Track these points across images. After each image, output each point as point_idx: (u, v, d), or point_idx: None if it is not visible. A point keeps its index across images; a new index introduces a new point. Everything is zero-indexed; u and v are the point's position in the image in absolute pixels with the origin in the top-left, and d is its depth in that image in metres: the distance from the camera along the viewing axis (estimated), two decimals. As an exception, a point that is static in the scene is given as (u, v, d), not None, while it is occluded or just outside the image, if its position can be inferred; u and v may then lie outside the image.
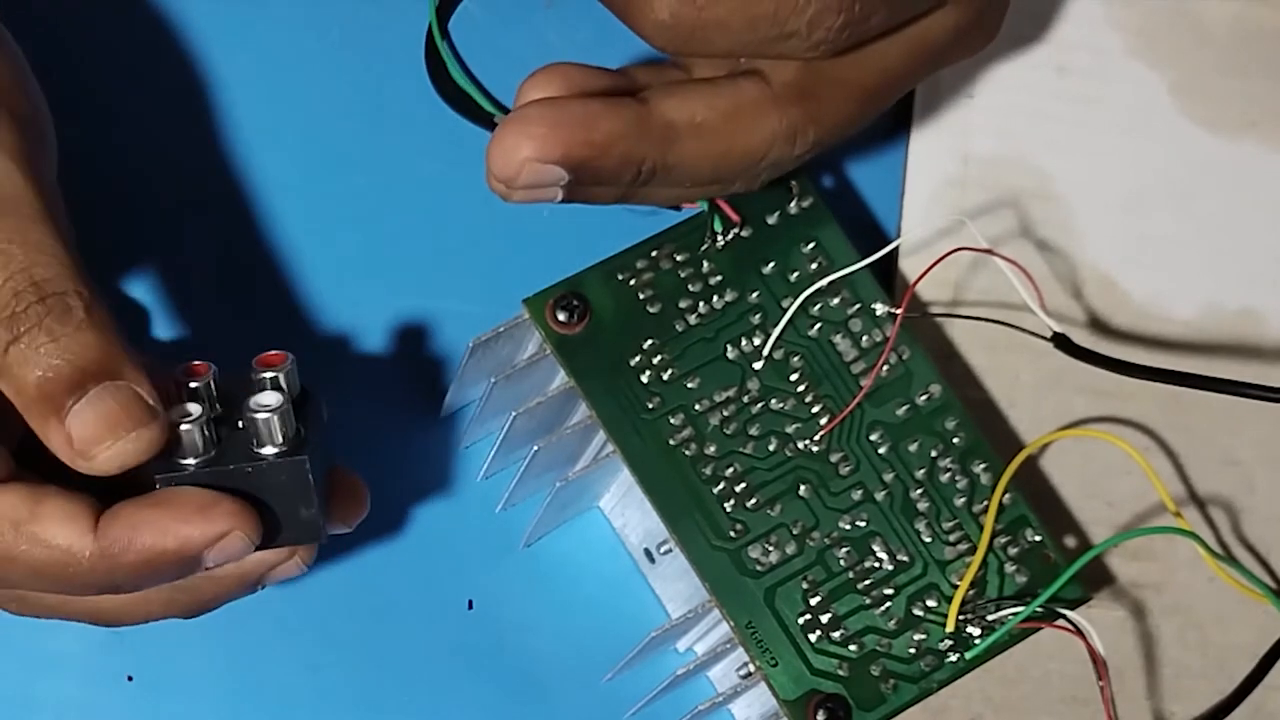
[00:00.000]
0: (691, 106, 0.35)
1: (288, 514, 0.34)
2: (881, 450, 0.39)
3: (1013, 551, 0.38)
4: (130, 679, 0.40)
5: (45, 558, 0.33)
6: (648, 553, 0.41)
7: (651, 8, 0.34)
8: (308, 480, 0.33)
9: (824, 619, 0.37)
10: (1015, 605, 0.37)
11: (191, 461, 0.33)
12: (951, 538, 0.38)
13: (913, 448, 0.39)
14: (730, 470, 0.38)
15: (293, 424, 0.33)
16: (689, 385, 0.38)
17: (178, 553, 0.33)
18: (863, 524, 0.38)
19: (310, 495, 0.34)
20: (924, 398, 0.39)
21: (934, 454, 0.39)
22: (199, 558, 0.33)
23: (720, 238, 0.40)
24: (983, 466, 0.39)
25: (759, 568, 0.37)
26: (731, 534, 0.37)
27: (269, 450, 0.33)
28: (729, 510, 0.38)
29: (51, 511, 0.33)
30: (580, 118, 0.34)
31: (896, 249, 0.44)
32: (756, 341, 0.39)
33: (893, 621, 0.37)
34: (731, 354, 0.39)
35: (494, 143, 0.35)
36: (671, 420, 0.38)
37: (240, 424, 0.34)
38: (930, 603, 0.38)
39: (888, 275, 0.44)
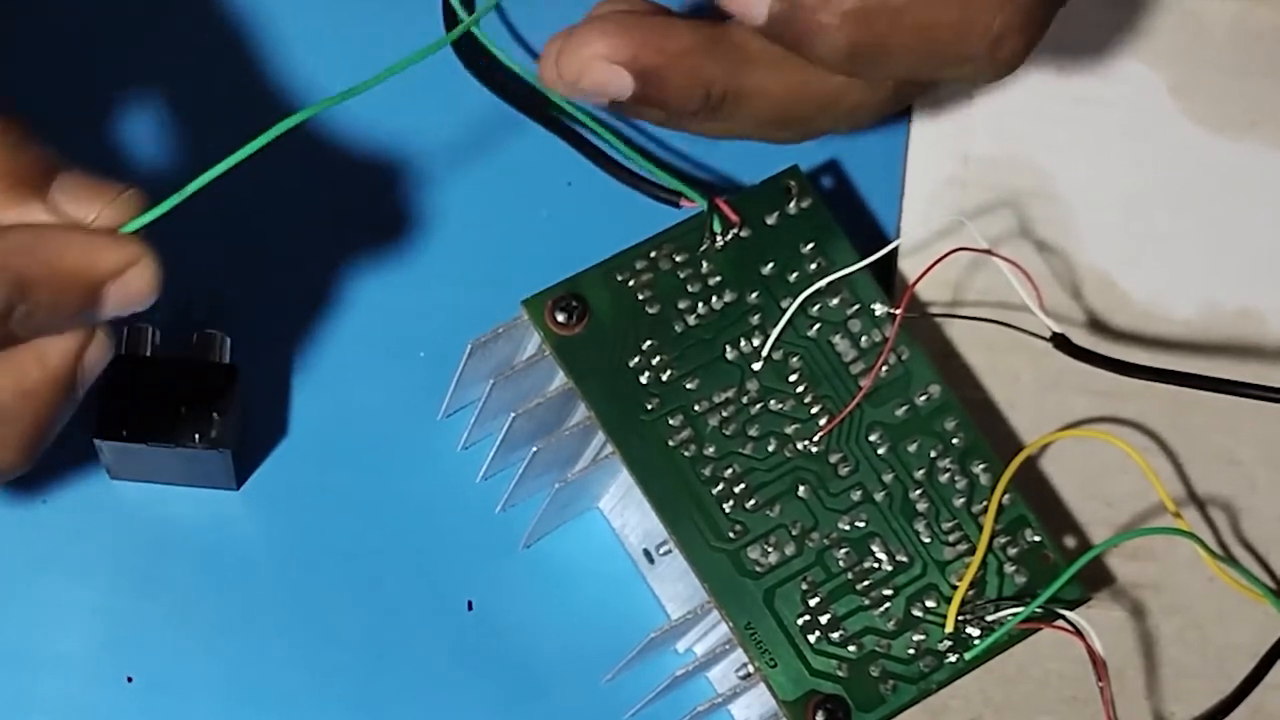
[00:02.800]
0: None
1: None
2: (881, 451, 0.39)
3: (1012, 552, 0.38)
4: (130, 679, 0.40)
5: None
6: (647, 553, 0.41)
7: (829, 37, 0.33)
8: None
9: (823, 620, 0.37)
10: (1015, 605, 0.37)
11: None
12: (951, 538, 0.38)
13: (912, 448, 0.39)
14: (729, 471, 0.38)
15: None
16: (688, 386, 0.38)
17: (81, 276, 0.29)
18: (862, 525, 0.38)
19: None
20: (923, 398, 0.39)
21: (933, 454, 0.39)
22: (99, 294, 0.29)
23: (719, 238, 0.40)
24: (982, 467, 0.39)
25: (758, 568, 0.37)
26: (731, 535, 0.37)
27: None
28: (728, 511, 0.38)
29: None
30: (657, 25, 0.33)
31: (896, 249, 0.44)
32: (756, 342, 0.39)
33: (892, 622, 0.37)
34: (731, 355, 0.39)
35: (565, 37, 0.33)
36: (671, 421, 0.38)
37: None
38: (929, 603, 0.38)
39: (887, 275, 0.44)
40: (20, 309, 0.28)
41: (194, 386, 0.38)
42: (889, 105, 0.37)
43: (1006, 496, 0.39)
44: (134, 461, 0.39)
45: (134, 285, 0.30)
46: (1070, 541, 0.43)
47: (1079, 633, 0.37)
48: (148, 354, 0.38)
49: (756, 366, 0.39)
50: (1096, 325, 0.45)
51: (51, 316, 0.29)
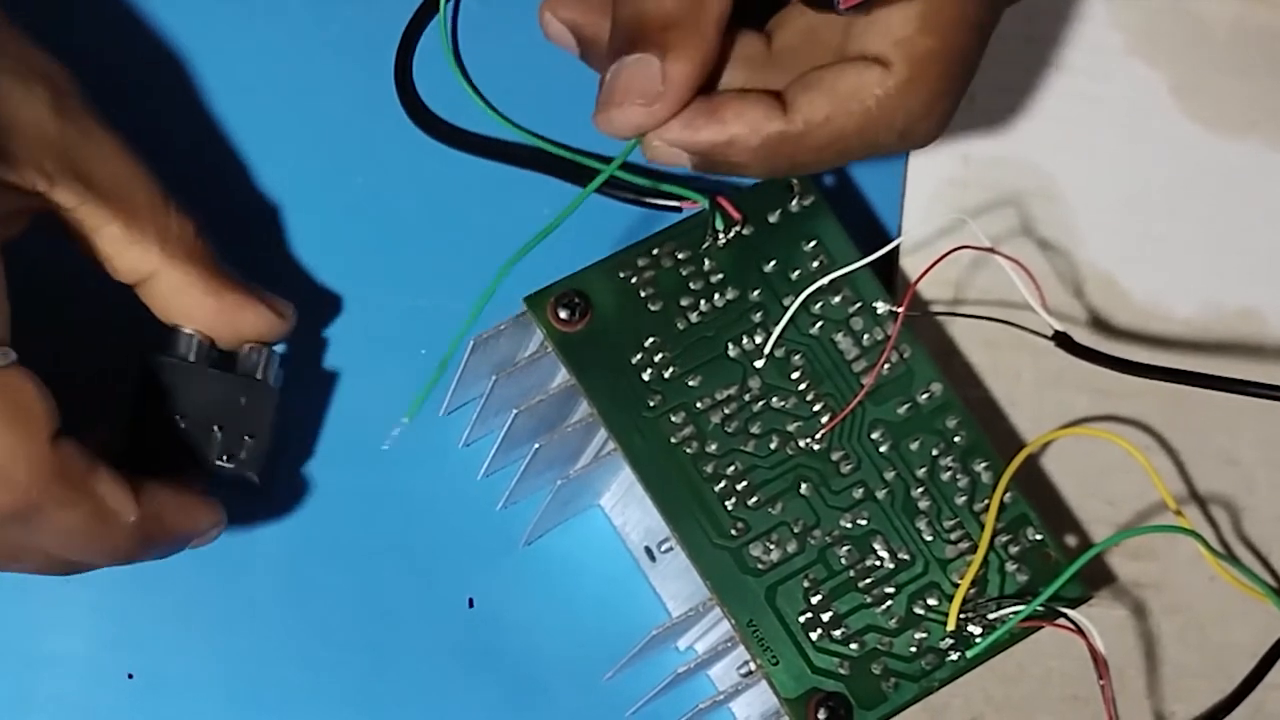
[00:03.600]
0: (818, 104, 0.36)
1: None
2: (883, 449, 0.39)
3: (1014, 550, 0.38)
4: (130, 678, 0.40)
5: (93, 515, 0.34)
6: (648, 551, 0.41)
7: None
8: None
9: (825, 617, 0.37)
10: (1016, 604, 0.37)
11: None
12: (952, 536, 0.38)
13: (914, 446, 0.39)
14: (731, 468, 0.38)
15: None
16: (690, 383, 0.38)
17: (188, 533, 0.37)
18: (864, 522, 0.38)
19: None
20: (925, 396, 0.39)
21: (935, 452, 0.39)
22: (190, 541, 0.37)
23: (722, 236, 0.40)
24: (984, 465, 0.39)
25: (760, 566, 0.37)
26: (733, 532, 0.37)
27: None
28: (730, 508, 0.38)
29: (106, 472, 0.34)
30: (714, 114, 0.36)
31: (897, 247, 0.45)
32: (758, 340, 0.39)
33: (894, 620, 0.37)
34: (733, 352, 0.39)
35: (605, 124, 0.36)
36: (673, 418, 0.38)
37: None
38: (931, 601, 0.38)
39: (888, 274, 0.44)
40: (140, 555, 0.36)
41: (231, 403, 0.38)
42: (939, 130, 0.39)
43: (1008, 495, 0.39)
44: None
45: (209, 538, 0.38)
46: (1071, 540, 0.43)
47: (1080, 631, 0.37)
48: (190, 359, 0.38)
49: (759, 364, 0.39)
50: (1098, 324, 0.45)
51: (152, 557, 0.37)
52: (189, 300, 0.37)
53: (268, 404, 0.38)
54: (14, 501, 0.33)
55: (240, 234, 0.43)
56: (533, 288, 0.38)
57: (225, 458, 0.38)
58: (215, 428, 0.38)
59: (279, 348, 0.40)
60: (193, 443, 0.38)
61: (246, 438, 0.38)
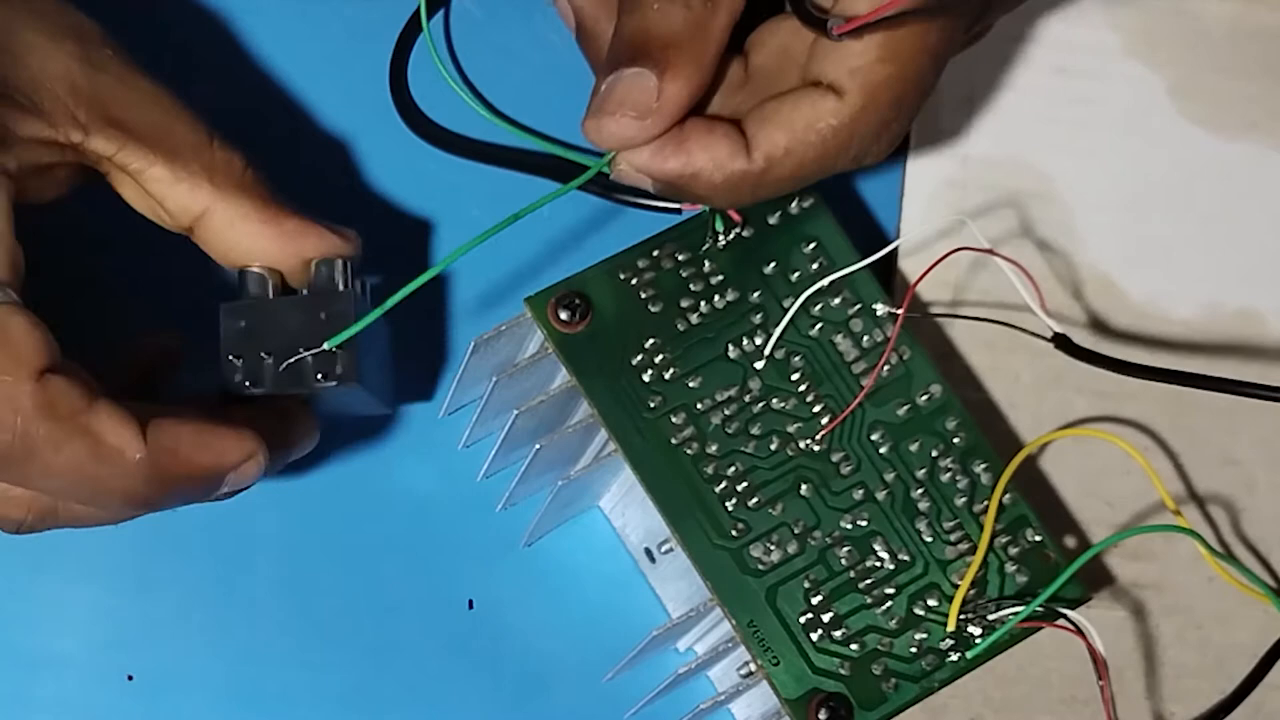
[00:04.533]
0: (777, 140, 0.36)
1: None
2: (882, 450, 0.39)
3: (1013, 551, 0.38)
4: (130, 679, 0.40)
5: (91, 454, 0.33)
6: (648, 552, 0.41)
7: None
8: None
9: (825, 618, 0.37)
10: (1016, 605, 0.37)
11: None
12: (952, 537, 0.38)
13: (913, 447, 0.39)
14: (732, 469, 0.38)
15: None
16: (690, 384, 0.38)
17: (213, 469, 0.35)
18: (864, 523, 0.38)
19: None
20: (924, 398, 0.39)
21: (935, 454, 0.39)
22: (223, 478, 0.35)
23: (722, 237, 0.40)
24: (983, 466, 0.39)
25: (760, 567, 0.37)
26: (733, 533, 0.37)
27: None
28: (730, 509, 0.38)
29: (107, 408, 0.33)
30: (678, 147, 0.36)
31: (896, 249, 0.45)
32: (758, 341, 0.39)
33: (894, 621, 0.37)
34: (733, 353, 0.39)
35: (595, 131, 0.36)
36: (673, 419, 0.38)
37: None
38: (931, 602, 0.38)
39: (888, 275, 0.44)
40: (160, 498, 0.34)
41: (313, 323, 0.36)
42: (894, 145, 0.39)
43: (1007, 496, 0.39)
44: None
45: (247, 472, 0.35)
46: (1071, 541, 0.43)
47: (1080, 632, 0.37)
48: (266, 295, 0.37)
49: (759, 365, 0.39)
50: (1097, 325, 0.45)
51: (183, 499, 0.35)
52: (247, 232, 0.37)
53: (348, 310, 0.37)
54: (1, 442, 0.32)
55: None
56: (533, 288, 0.38)
57: (320, 377, 0.36)
58: (303, 350, 0.36)
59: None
60: (287, 375, 0.36)
61: (337, 351, 0.36)
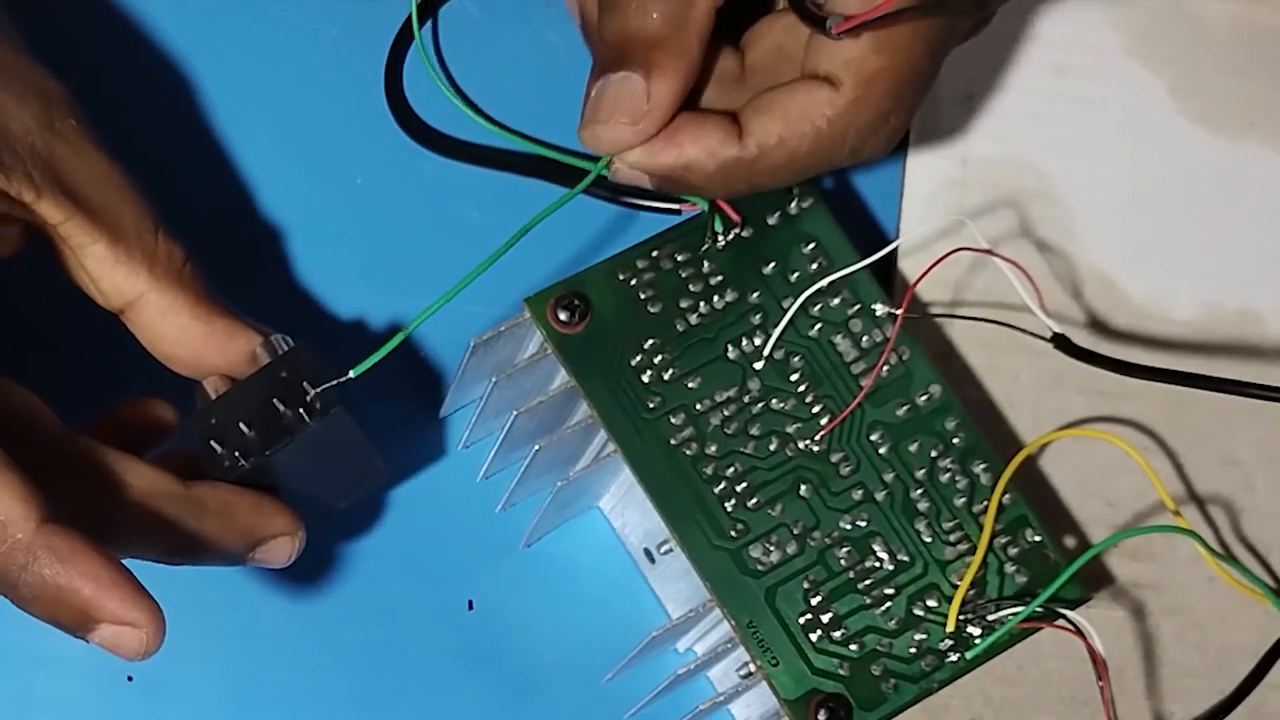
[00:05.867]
0: (770, 128, 0.36)
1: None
2: (882, 450, 0.39)
3: (1013, 551, 0.38)
4: (130, 679, 0.40)
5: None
6: (648, 553, 0.41)
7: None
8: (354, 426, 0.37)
9: (825, 619, 0.37)
10: (1015, 605, 0.37)
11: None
12: (952, 538, 0.38)
13: (913, 448, 0.39)
14: (731, 470, 0.38)
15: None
16: (690, 385, 0.38)
17: (250, 537, 0.36)
18: (863, 524, 0.38)
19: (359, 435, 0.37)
20: (924, 398, 0.39)
21: (934, 454, 0.39)
22: (250, 551, 0.36)
23: (721, 238, 0.40)
24: (982, 466, 0.39)
25: (760, 567, 0.37)
26: (732, 534, 0.37)
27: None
28: (730, 510, 0.38)
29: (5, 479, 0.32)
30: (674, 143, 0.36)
31: (896, 249, 0.45)
32: (757, 341, 0.39)
33: (893, 621, 0.37)
34: (732, 354, 0.39)
35: (591, 139, 0.36)
36: (672, 420, 0.38)
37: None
38: (931, 602, 0.38)
39: (887, 276, 0.44)
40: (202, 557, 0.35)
41: (275, 383, 0.36)
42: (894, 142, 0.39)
43: (1007, 496, 0.39)
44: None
45: (279, 551, 0.37)
46: (1070, 541, 0.43)
47: (1079, 632, 0.37)
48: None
49: (758, 366, 0.39)
50: (1096, 325, 0.45)
51: (214, 561, 0.36)
52: (177, 325, 0.37)
53: (306, 356, 0.37)
54: None
55: (231, 244, 0.43)
56: (533, 289, 0.38)
57: (307, 417, 0.36)
58: (280, 406, 0.36)
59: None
60: (269, 434, 0.36)
61: (307, 386, 0.36)
